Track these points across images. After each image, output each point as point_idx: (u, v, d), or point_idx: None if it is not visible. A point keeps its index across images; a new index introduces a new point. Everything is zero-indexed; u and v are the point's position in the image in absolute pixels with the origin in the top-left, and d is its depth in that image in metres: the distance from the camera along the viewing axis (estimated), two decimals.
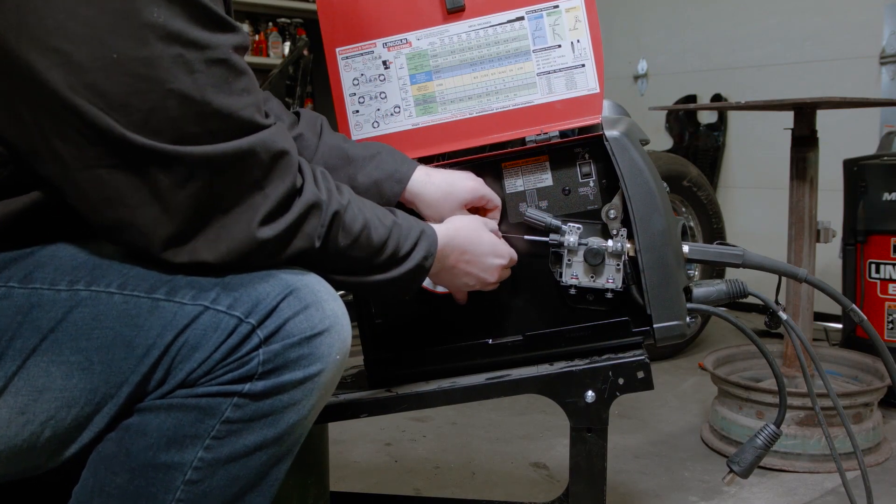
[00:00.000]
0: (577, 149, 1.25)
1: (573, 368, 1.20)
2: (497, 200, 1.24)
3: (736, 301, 1.28)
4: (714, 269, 3.01)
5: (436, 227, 1.11)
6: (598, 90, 1.24)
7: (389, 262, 1.03)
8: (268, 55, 4.68)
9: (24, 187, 0.86)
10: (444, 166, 1.25)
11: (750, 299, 1.27)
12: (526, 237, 1.24)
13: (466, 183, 1.21)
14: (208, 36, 0.83)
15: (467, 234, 1.15)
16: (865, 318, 1.30)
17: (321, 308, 0.89)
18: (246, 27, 4.68)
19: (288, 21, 4.77)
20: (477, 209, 1.23)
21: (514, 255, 1.22)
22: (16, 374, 0.83)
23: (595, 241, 1.20)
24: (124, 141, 0.80)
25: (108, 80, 0.78)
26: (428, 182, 1.18)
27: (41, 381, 0.84)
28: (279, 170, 0.88)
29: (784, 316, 1.28)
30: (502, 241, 1.21)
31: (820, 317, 2.63)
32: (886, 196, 2.50)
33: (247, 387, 0.86)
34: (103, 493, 0.86)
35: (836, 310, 2.96)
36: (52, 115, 0.79)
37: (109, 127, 0.79)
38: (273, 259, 0.91)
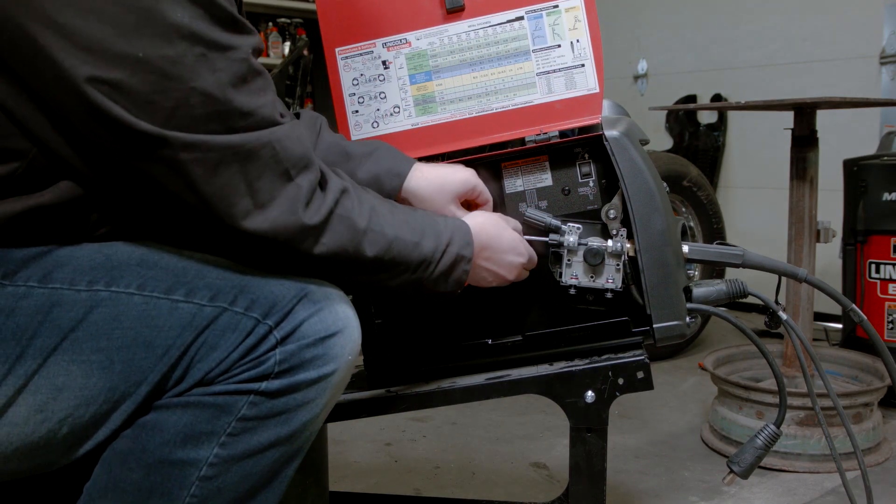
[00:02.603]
0: (577, 149, 1.25)
1: (573, 368, 1.20)
2: (487, 194, 1.24)
3: (736, 301, 1.28)
4: (714, 269, 3.01)
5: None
6: (597, 90, 1.24)
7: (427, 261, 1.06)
8: (268, 55, 4.68)
9: (40, 184, 0.87)
10: (439, 164, 1.25)
11: (750, 299, 1.27)
12: (526, 237, 1.24)
13: (458, 175, 1.21)
14: (228, 37, 0.85)
15: (488, 231, 1.16)
16: (865, 318, 1.29)
17: (334, 310, 0.92)
18: None
19: (288, 21, 4.77)
20: (469, 202, 1.23)
21: (534, 255, 1.22)
22: (36, 373, 0.84)
23: (595, 241, 1.20)
24: (149, 135, 0.82)
25: (133, 77, 0.81)
26: (421, 178, 1.18)
27: (61, 379, 0.85)
28: (302, 163, 0.91)
29: (784, 316, 1.28)
30: (523, 240, 1.21)
31: (820, 317, 2.63)
32: (886, 196, 2.49)
33: (263, 385, 0.87)
34: (118, 489, 0.87)
35: (836, 310, 2.96)
36: (80, 111, 0.82)
37: (132, 123, 0.81)
38: (316, 244, 0.92)
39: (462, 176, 1.21)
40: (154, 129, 0.82)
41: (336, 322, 0.91)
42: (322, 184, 0.94)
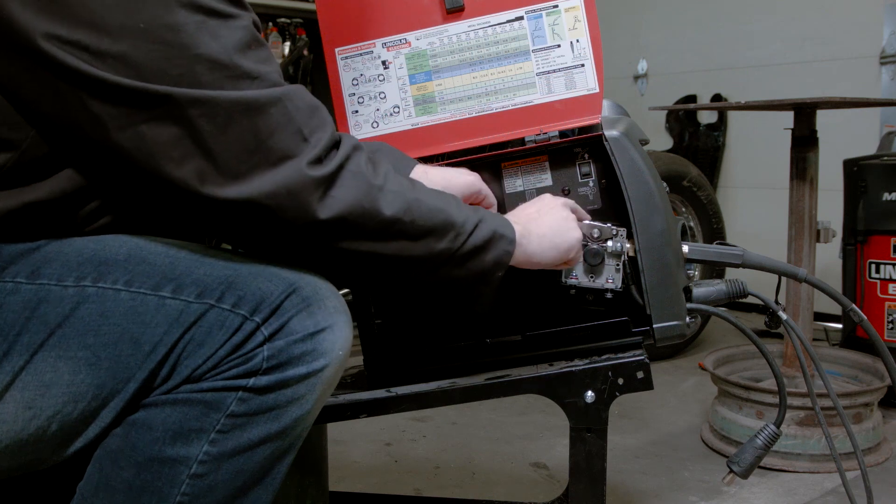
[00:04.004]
0: (577, 149, 1.25)
1: (573, 368, 1.20)
2: (492, 198, 1.24)
3: (736, 301, 1.28)
4: (714, 269, 3.01)
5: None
6: (597, 90, 1.24)
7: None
8: None
9: (33, 177, 0.87)
10: (443, 166, 1.25)
11: (750, 299, 1.27)
12: None
13: (463, 178, 1.21)
14: (227, 7, 0.86)
15: (527, 213, 1.15)
16: (865, 318, 1.29)
17: (323, 305, 0.90)
18: None
19: (288, 21, 4.76)
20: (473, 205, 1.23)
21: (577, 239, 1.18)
22: (23, 369, 0.84)
23: (594, 241, 1.20)
24: (157, 94, 0.82)
25: (137, 49, 0.81)
26: (425, 179, 1.18)
27: (48, 376, 0.85)
28: (318, 119, 0.90)
29: (784, 316, 1.28)
30: (568, 219, 1.17)
31: (820, 317, 2.63)
32: (886, 196, 2.50)
33: (251, 381, 0.87)
34: (109, 487, 0.87)
35: (836, 310, 2.96)
36: (85, 86, 0.81)
37: (142, 87, 0.81)
38: (325, 198, 0.89)
39: (467, 179, 1.20)
40: (162, 88, 0.81)
41: (326, 317, 0.90)
42: (336, 144, 0.92)
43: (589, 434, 1.19)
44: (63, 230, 0.90)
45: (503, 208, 1.26)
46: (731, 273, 2.87)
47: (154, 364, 0.86)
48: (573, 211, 1.19)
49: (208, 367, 0.86)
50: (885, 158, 2.59)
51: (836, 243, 2.48)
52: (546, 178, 1.25)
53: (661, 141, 3.99)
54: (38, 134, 0.86)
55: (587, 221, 1.20)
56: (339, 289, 1.24)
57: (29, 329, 0.84)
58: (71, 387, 0.85)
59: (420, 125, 1.28)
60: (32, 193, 0.87)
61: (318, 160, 0.89)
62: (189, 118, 0.83)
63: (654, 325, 1.20)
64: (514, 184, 1.26)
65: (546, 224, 1.13)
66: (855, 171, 2.58)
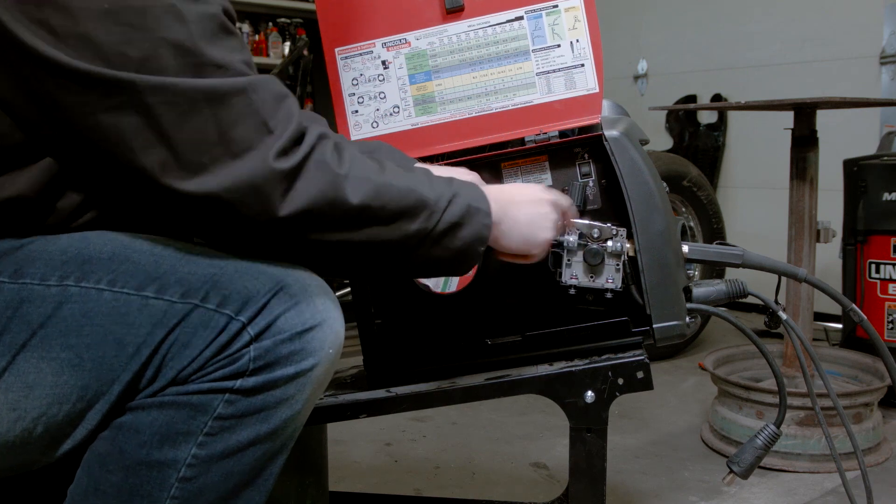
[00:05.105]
0: (577, 149, 1.25)
1: (573, 368, 1.20)
2: None
3: (736, 301, 1.28)
4: (714, 269, 3.01)
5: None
6: (597, 90, 1.24)
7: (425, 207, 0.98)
8: (268, 55, 4.68)
9: (11, 166, 0.86)
10: (443, 166, 1.25)
11: (750, 299, 1.27)
12: None
13: (464, 177, 1.20)
14: None
15: (503, 188, 1.14)
16: (865, 318, 1.29)
17: (312, 303, 0.89)
18: (246, 27, 4.70)
19: (288, 21, 4.77)
20: None
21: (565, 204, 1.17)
22: (6, 370, 0.83)
23: (594, 241, 1.20)
24: (119, 81, 0.80)
25: (100, 29, 0.79)
26: None
27: (31, 377, 0.84)
28: (285, 111, 0.87)
29: (784, 316, 1.28)
30: (548, 194, 1.16)
31: (820, 317, 2.63)
32: (886, 196, 2.50)
33: (238, 383, 0.85)
34: (98, 491, 0.86)
35: (836, 310, 2.96)
36: (48, 70, 0.80)
37: (101, 73, 0.79)
38: (289, 192, 0.87)
39: (466, 179, 1.20)
40: (123, 75, 0.79)
41: (314, 315, 0.88)
42: (301, 135, 0.89)
43: (589, 434, 1.19)
44: (46, 226, 0.89)
45: None
46: (731, 273, 2.87)
47: (138, 366, 0.84)
48: (564, 209, 1.17)
49: (194, 368, 0.85)
50: (885, 158, 2.59)
51: (836, 243, 2.48)
52: (546, 178, 1.26)
53: (661, 141, 3.99)
54: (13, 122, 0.84)
55: (587, 221, 1.20)
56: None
57: (11, 329, 0.83)
58: (55, 388, 0.84)
59: (420, 125, 1.28)
60: (9, 188, 0.85)
61: (283, 152, 0.86)
62: (149, 106, 0.81)
63: (654, 325, 1.20)
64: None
65: (525, 212, 1.11)
66: (855, 171, 2.58)
